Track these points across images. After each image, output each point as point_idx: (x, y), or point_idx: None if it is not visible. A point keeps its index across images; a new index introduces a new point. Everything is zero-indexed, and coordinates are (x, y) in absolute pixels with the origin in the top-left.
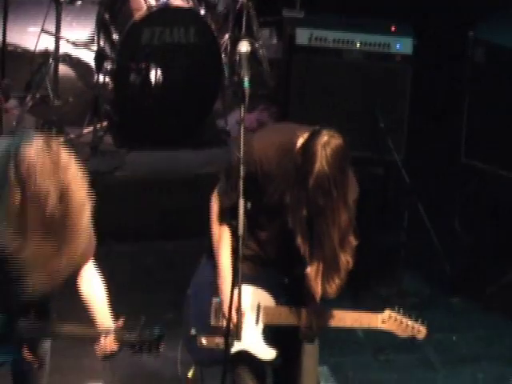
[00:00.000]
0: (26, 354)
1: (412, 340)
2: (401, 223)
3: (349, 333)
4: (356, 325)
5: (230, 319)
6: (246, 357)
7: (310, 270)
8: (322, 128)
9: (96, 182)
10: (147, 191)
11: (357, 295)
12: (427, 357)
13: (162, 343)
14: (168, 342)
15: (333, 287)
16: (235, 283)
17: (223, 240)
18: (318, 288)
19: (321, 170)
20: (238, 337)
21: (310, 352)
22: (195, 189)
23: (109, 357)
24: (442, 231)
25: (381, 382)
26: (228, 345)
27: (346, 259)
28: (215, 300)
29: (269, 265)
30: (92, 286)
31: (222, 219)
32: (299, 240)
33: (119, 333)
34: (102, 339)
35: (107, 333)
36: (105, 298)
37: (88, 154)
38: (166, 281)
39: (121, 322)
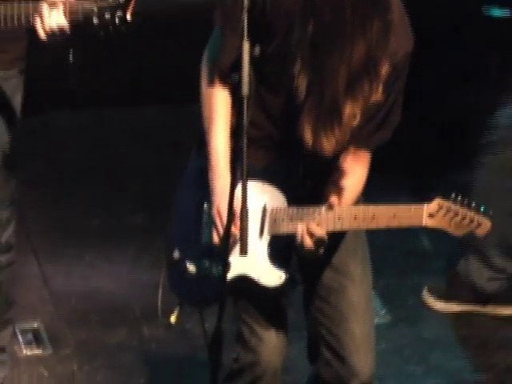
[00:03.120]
0: None
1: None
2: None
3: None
4: (393, 224)
5: (228, 229)
6: (248, 286)
7: (304, 114)
8: None
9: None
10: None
11: (413, 186)
12: None
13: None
14: (132, 265)
15: (331, 141)
16: (236, 175)
17: (218, 112)
18: (309, 139)
19: None
20: (243, 250)
21: (357, 274)
22: (171, 36)
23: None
24: None
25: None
26: (226, 267)
27: (352, 111)
28: (207, 206)
29: (284, 148)
30: None
31: (218, 79)
32: (297, 68)
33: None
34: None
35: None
36: None
37: None
38: (134, 168)
39: None
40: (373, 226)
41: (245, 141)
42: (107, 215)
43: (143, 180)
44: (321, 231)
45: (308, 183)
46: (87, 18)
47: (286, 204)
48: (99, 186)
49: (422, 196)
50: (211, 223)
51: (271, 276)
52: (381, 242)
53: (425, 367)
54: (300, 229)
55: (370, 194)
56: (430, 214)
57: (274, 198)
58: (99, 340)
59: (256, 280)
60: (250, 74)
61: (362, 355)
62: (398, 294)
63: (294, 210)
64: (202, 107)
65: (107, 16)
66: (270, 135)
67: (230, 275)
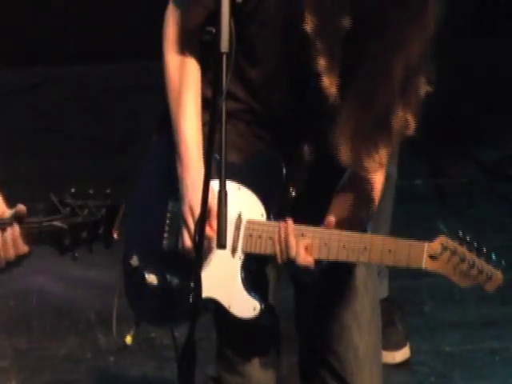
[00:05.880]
0: None
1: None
2: None
3: None
4: (388, 261)
5: (202, 234)
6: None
7: (339, 128)
8: None
9: None
10: None
11: (434, 167)
12: None
13: (116, 223)
14: (85, 259)
15: (375, 159)
16: (211, 160)
17: (189, 85)
18: (345, 156)
19: None
20: (220, 242)
21: (361, 276)
22: None
23: (15, 262)
24: None
25: None
26: (199, 282)
27: (403, 117)
28: (172, 204)
29: (266, 127)
30: None
31: (188, 36)
32: (322, 64)
33: (29, 222)
34: None
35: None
36: None
37: None
38: (86, 141)
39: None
40: (364, 259)
41: (224, 106)
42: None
43: (98, 156)
44: (308, 258)
45: (294, 192)
46: (55, 237)
47: (265, 216)
48: (43, 161)
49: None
50: (177, 225)
51: (244, 305)
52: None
53: None
54: (278, 251)
55: None
56: (431, 255)
57: (251, 207)
58: (43, 351)
59: (226, 307)
60: (230, 26)
61: (365, 375)
62: (411, 299)
63: (274, 225)
64: (167, 77)
65: (83, 235)
66: (251, 109)
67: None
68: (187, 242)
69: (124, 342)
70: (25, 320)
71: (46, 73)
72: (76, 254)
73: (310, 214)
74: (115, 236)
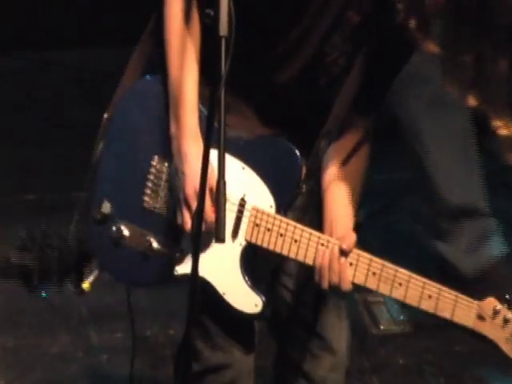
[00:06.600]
0: None
1: None
2: None
3: None
4: (428, 306)
5: (201, 205)
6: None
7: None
8: None
9: None
10: None
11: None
12: None
13: (86, 274)
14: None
15: None
16: (210, 135)
17: (190, 57)
18: None
19: None
20: (219, 236)
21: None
22: None
23: None
24: None
25: None
26: (198, 242)
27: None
28: (159, 160)
29: (275, 95)
30: None
31: (191, 8)
32: (495, 115)
33: None
34: None
35: None
36: None
37: None
38: (81, 127)
39: None
40: (398, 295)
41: (223, 92)
42: (47, 189)
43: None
44: (350, 277)
45: (304, 188)
46: (23, 275)
47: (274, 208)
48: (37, 150)
49: None
50: (162, 186)
51: (244, 299)
52: (401, 227)
53: None
54: (322, 278)
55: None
56: (478, 315)
57: (259, 194)
58: (33, 349)
59: (220, 293)
60: (230, 9)
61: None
62: None
63: (286, 222)
64: (168, 45)
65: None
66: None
67: (182, 270)
68: (188, 225)
69: (81, 288)
70: (15, 317)
71: (45, 59)
72: (44, 294)
73: (309, 213)
74: (85, 288)
